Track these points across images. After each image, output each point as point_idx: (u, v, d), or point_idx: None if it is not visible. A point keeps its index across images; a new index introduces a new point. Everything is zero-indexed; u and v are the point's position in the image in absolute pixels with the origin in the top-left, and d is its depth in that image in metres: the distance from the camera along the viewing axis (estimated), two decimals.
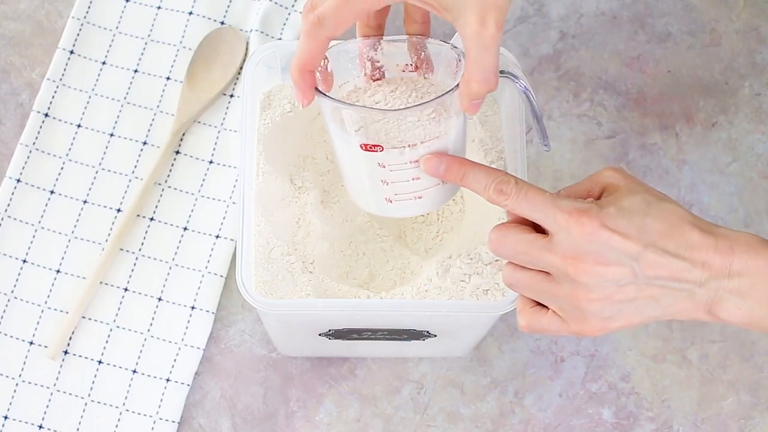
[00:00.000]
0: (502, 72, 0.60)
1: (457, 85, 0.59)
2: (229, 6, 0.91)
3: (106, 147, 0.87)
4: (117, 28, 0.90)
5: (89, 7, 0.90)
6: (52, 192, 0.86)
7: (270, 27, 0.90)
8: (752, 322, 0.59)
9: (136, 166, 0.87)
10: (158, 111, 0.89)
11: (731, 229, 0.59)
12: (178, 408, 0.82)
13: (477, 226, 0.71)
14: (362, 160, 0.61)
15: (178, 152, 0.88)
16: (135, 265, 0.85)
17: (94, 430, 0.81)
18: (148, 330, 0.83)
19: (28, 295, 0.83)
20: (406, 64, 0.64)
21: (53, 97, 0.88)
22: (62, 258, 0.84)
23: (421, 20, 0.63)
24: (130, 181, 0.87)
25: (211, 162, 0.87)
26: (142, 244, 0.85)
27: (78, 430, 0.81)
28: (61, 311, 0.83)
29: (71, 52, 0.89)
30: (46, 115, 0.87)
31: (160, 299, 0.84)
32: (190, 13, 0.91)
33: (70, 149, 0.87)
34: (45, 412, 0.81)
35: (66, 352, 0.83)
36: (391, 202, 0.64)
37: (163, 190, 0.87)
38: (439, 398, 0.83)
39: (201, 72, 0.89)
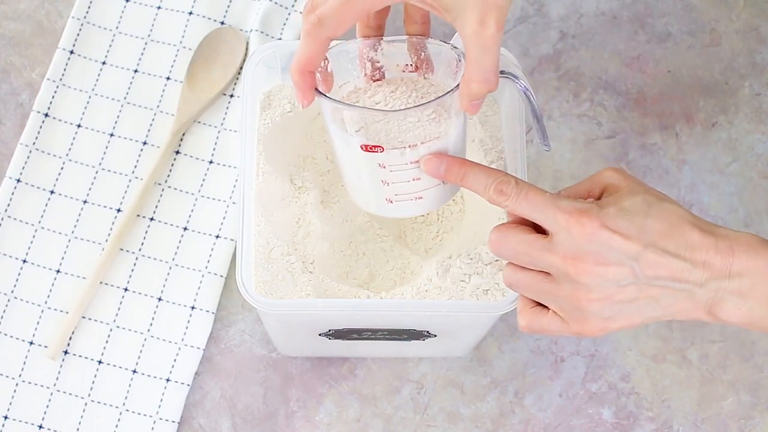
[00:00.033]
0: (502, 72, 0.60)
1: (458, 85, 0.59)
2: (229, 6, 0.91)
3: (106, 147, 0.87)
4: (117, 28, 0.90)
5: (89, 7, 0.90)
6: (52, 192, 0.86)
7: (270, 27, 0.90)
8: (752, 322, 0.59)
9: (136, 166, 0.87)
10: (158, 111, 0.89)
11: (731, 229, 0.59)
12: (178, 408, 0.82)
13: (477, 226, 0.71)
14: (362, 160, 0.61)
15: (178, 152, 0.88)
16: (135, 265, 0.85)
17: (94, 430, 0.81)
18: (148, 330, 0.83)
19: (28, 295, 0.83)
20: (406, 65, 0.64)
21: (53, 97, 0.88)
22: (62, 258, 0.84)
23: (421, 20, 0.63)
24: (130, 181, 0.87)
25: (211, 162, 0.87)
26: (142, 244, 0.85)
27: (78, 430, 0.81)
28: (61, 311, 0.83)
29: (71, 52, 0.89)
30: (46, 115, 0.87)
31: (160, 299, 0.84)
32: (190, 13, 0.91)
33: (70, 149, 0.87)
34: (45, 412, 0.81)
35: (66, 352, 0.83)
36: (391, 202, 0.64)
37: (163, 190, 0.87)
38: (439, 398, 0.83)
39: (201, 72, 0.89)
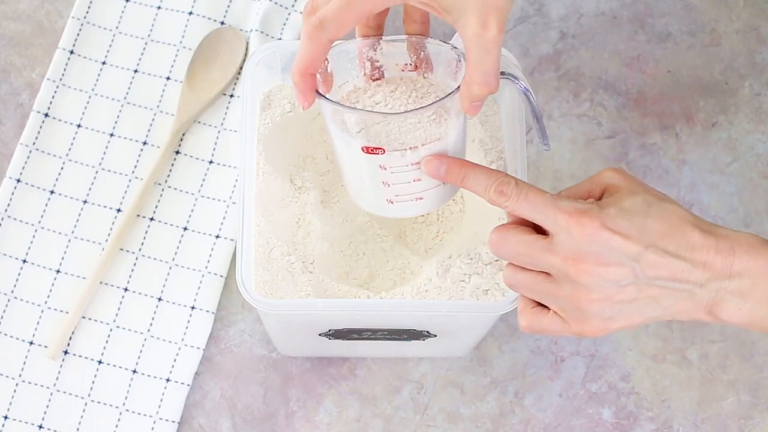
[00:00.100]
0: (502, 73, 0.60)
1: (458, 87, 0.59)
2: (229, 6, 0.91)
3: (106, 147, 0.87)
4: (117, 28, 0.90)
5: (89, 7, 0.90)
6: (52, 192, 0.86)
7: (270, 27, 0.90)
8: (753, 322, 0.59)
9: (136, 166, 0.87)
10: (158, 111, 0.89)
11: (732, 229, 0.59)
12: (178, 408, 0.82)
13: (477, 226, 0.71)
14: (363, 162, 0.61)
15: (178, 152, 0.88)
16: (135, 265, 0.85)
17: (94, 430, 0.81)
18: (148, 330, 0.83)
19: (28, 295, 0.83)
20: (406, 64, 0.64)
21: (53, 97, 0.88)
22: (62, 258, 0.84)
23: (420, 20, 0.63)
24: (130, 181, 0.87)
25: (211, 162, 0.87)
26: (142, 244, 0.85)
27: (78, 430, 0.81)
28: (61, 311, 0.83)
29: (71, 52, 0.89)
30: (46, 115, 0.87)
31: (160, 299, 0.84)
32: (190, 13, 0.91)
33: (70, 149, 0.87)
34: (45, 412, 0.81)
35: (66, 352, 0.83)
36: (392, 203, 0.64)
37: (163, 190, 0.87)
38: (439, 398, 0.83)
39: (201, 72, 0.89)
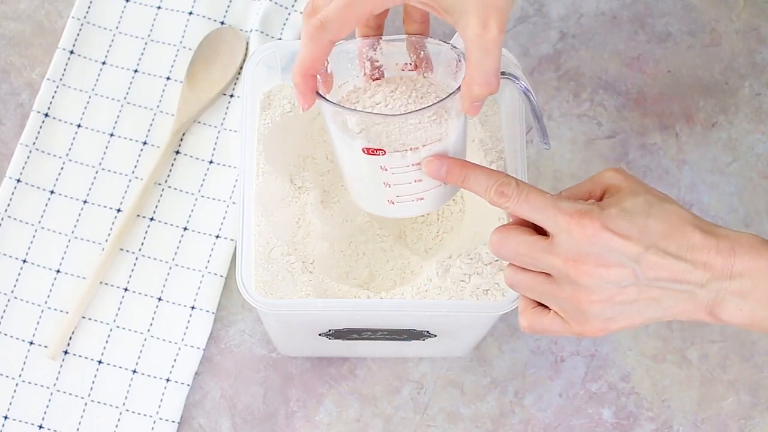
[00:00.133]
0: (502, 73, 0.60)
1: (459, 87, 0.59)
2: (229, 6, 0.91)
3: (106, 147, 0.87)
4: (117, 28, 0.90)
5: (89, 7, 0.90)
6: (52, 192, 0.86)
7: (270, 27, 0.90)
8: (753, 323, 0.59)
9: (136, 166, 0.87)
10: (158, 111, 0.89)
11: (733, 229, 0.59)
12: (178, 408, 0.82)
13: (477, 226, 0.71)
14: (364, 163, 0.61)
15: (178, 152, 0.88)
16: (135, 265, 0.85)
17: (94, 430, 0.81)
18: (148, 330, 0.83)
19: (28, 295, 0.83)
20: (406, 63, 0.64)
21: (53, 97, 0.88)
22: (62, 258, 0.84)
23: (420, 20, 0.63)
24: (130, 181, 0.87)
25: (211, 162, 0.87)
26: (142, 244, 0.85)
27: (78, 430, 0.81)
28: (61, 311, 0.83)
29: (71, 52, 0.89)
30: (46, 115, 0.87)
31: (160, 299, 0.84)
32: (190, 13, 0.91)
33: (70, 149, 0.87)
34: (45, 412, 0.81)
35: (66, 352, 0.83)
36: (393, 203, 0.64)
37: (163, 190, 0.87)
38: (439, 398, 0.83)
39: (201, 72, 0.89)
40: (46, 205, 0.86)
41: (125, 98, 0.89)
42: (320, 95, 0.60)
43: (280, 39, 0.90)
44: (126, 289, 0.84)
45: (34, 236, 0.85)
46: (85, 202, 0.86)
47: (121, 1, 0.91)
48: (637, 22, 0.92)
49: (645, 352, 0.84)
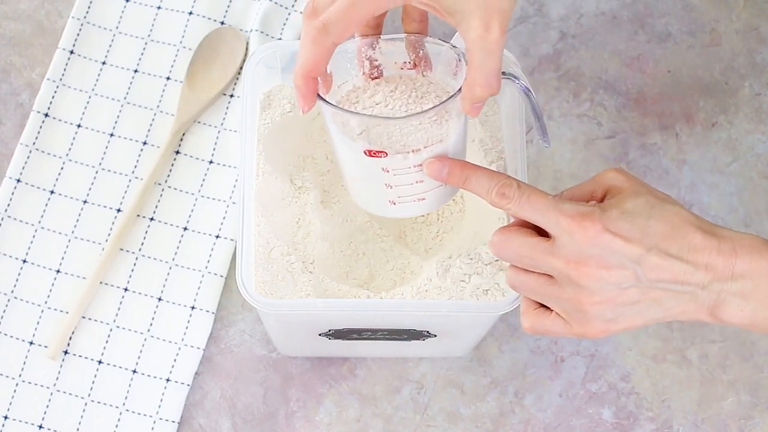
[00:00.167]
0: (502, 73, 0.60)
1: (460, 89, 0.59)
2: (229, 6, 0.91)
3: (106, 147, 0.87)
4: (117, 28, 0.90)
5: (89, 7, 0.90)
6: (52, 192, 0.86)
7: (270, 27, 0.90)
8: (755, 323, 0.59)
9: (136, 166, 0.87)
10: (158, 111, 0.89)
11: (735, 230, 0.59)
12: (178, 408, 0.82)
13: (477, 226, 0.71)
14: (365, 164, 0.61)
15: (178, 152, 0.88)
16: (135, 265, 0.85)
17: (94, 430, 0.81)
18: (148, 330, 0.83)
19: (28, 295, 0.83)
20: (405, 62, 0.63)
21: (53, 97, 0.88)
22: (62, 258, 0.84)
23: (419, 19, 0.63)
24: (130, 181, 0.87)
25: (211, 162, 0.87)
26: (142, 244, 0.85)
27: (78, 430, 0.81)
28: (61, 311, 0.83)
29: (71, 52, 0.89)
30: (46, 115, 0.87)
31: (160, 299, 0.84)
32: (190, 13, 0.91)
33: (70, 149, 0.87)
34: (45, 412, 0.81)
35: (66, 352, 0.83)
36: (394, 204, 0.64)
37: (163, 190, 0.87)
38: (439, 398, 0.83)
39: (201, 72, 0.89)
40: (46, 205, 0.86)
41: (125, 98, 0.89)
42: (321, 98, 0.60)
43: (280, 39, 0.90)
44: (126, 289, 0.84)
45: (34, 236, 0.85)
46: (85, 202, 0.86)
47: (121, 1, 0.91)
48: (637, 22, 0.92)
49: (645, 352, 0.84)
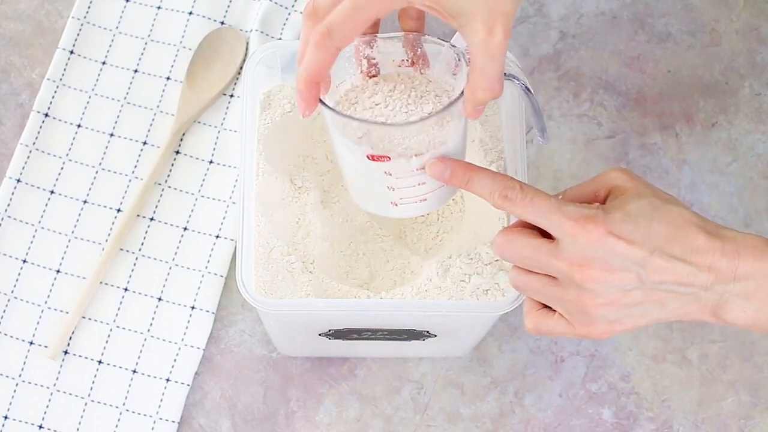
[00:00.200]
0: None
1: (462, 92, 0.59)
2: (229, 6, 0.91)
3: (106, 147, 0.87)
4: (117, 28, 0.90)
5: (89, 7, 0.90)
6: (52, 192, 0.86)
7: (270, 27, 0.90)
8: (757, 324, 0.59)
9: (136, 166, 0.87)
10: (158, 111, 0.89)
11: (738, 231, 0.59)
12: (178, 408, 0.82)
13: (477, 226, 0.71)
14: (368, 168, 0.61)
15: (178, 152, 0.88)
16: (135, 265, 0.85)
17: (94, 430, 0.81)
18: (148, 330, 0.83)
19: (28, 295, 0.83)
20: (402, 60, 0.63)
21: (53, 97, 0.88)
22: (62, 258, 0.84)
23: (416, 17, 0.63)
24: (130, 181, 0.87)
25: (211, 162, 0.87)
26: (142, 244, 0.85)
27: (78, 430, 0.81)
28: (61, 311, 0.83)
29: (71, 52, 0.89)
30: (46, 115, 0.87)
31: (160, 299, 0.84)
32: (190, 13, 0.91)
33: (70, 149, 0.87)
34: (45, 412, 0.81)
35: (66, 352, 0.83)
36: (396, 205, 0.64)
37: (163, 190, 0.87)
38: (439, 398, 0.83)
39: (201, 72, 0.89)
40: (46, 205, 0.86)
41: (125, 98, 0.89)
42: (325, 104, 0.59)
43: (280, 39, 0.90)
44: (126, 289, 0.84)
45: (34, 236, 0.85)
46: (85, 202, 0.86)
47: (121, 1, 0.91)
48: (637, 22, 0.92)
49: (645, 352, 0.84)
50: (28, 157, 0.86)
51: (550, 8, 0.92)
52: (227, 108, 0.89)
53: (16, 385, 0.82)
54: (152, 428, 0.81)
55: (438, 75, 0.63)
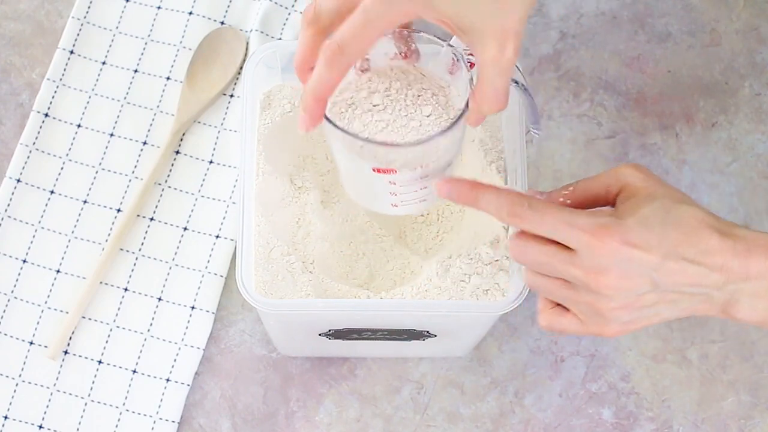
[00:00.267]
0: None
1: (466, 104, 0.59)
2: (229, 6, 0.91)
3: (106, 147, 0.87)
4: (117, 28, 0.90)
5: (89, 7, 0.90)
6: (52, 192, 0.86)
7: (270, 27, 0.90)
8: (767, 321, 0.59)
9: (136, 166, 0.87)
10: (158, 111, 0.89)
11: (751, 229, 0.59)
12: (178, 408, 0.82)
13: (477, 226, 0.71)
14: (371, 177, 0.61)
15: (178, 152, 0.88)
16: (135, 265, 0.85)
17: (94, 430, 0.81)
18: (148, 330, 0.83)
19: (28, 295, 0.83)
20: (395, 54, 0.63)
21: (53, 97, 0.88)
22: (62, 258, 0.84)
23: None
24: (130, 181, 0.87)
25: (211, 162, 0.87)
26: (142, 244, 0.85)
27: (78, 430, 0.81)
28: (61, 311, 0.83)
29: (71, 52, 0.89)
30: (46, 115, 0.87)
31: (160, 299, 0.84)
32: (190, 13, 0.91)
33: (70, 149, 0.87)
34: (45, 412, 0.81)
35: (66, 352, 0.83)
36: (396, 206, 0.64)
37: (163, 190, 0.87)
38: (439, 398, 0.83)
39: (201, 72, 0.89)
40: (46, 205, 0.86)
41: (125, 98, 0.89)
42: (332, 123, 0.58)
43: (280, 39, 0.90)
44: (126, 289, 0.84)
45: (34, 236, 0.85)
46: (85, 202, 0.86)
47: (121, 1, 0.91)
48: (637, 22, 0.92)
49: (645, 352, 0.84)
50: (28, 157, 0.86)
51: (550, 8, 0.92)
52: (227, 108, 0.89)
53: (16, 385, 0.82)
54: (152, 428, 0.81)
55: (432, 69, 0.63)
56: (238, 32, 0.90)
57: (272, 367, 0.83)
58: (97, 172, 0.87)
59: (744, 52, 0.91)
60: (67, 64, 0.89)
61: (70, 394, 0.82)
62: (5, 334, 0.83)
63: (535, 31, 0.91)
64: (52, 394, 0.82)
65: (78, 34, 0.90)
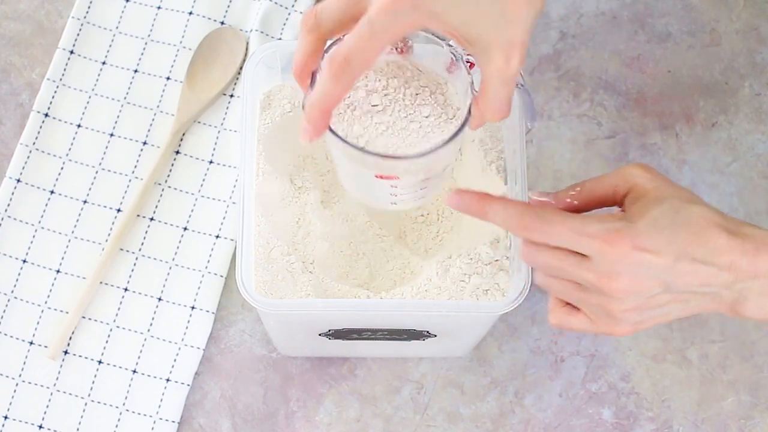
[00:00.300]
0: None
1: (468, 112, 0.59)
2: (229, 6, 0.91)
3: (106, 147, 0.87)
4: (117, 28, 0.90)
5: (89, 7, 0.90)
6: (52, 192, 0.86)
7: (270, 27, 0.90)
8: None
9: (136, 166, 0.87)
10: (158, 111, 0.89)
11: (759, 227, 0.59)
12: (178, 408, 0.82)
13: (477, 226, 0.71)
14: (373, 182, 0.61)
15: (178, 152, 0.88)
16: (135, 265, 0.85)
17: (94, 430, 0.81)
18: (148, 330, 0.83)
19: (28, 295, 0.83)
20: (390, 49, 0.63)
21: (53, 97, 0.88)
22: (62, 258, 0.84)
23: None
24: (130, 181, 0.87)
25: (211, 162, 0.87)
26: (142, 244, 0.85)
27: (78, 430, 0.81)
28: (61, 311, 0.83)
29: (71, 52, 0.89)
30: (46, 115, 0.87)
31: (160, 299, 0.84)
32: (190, 13, 0.91)
33: (70, 149, 0.87)
34: (45, 412, 0.81)
35: (66, 352, 0.83)
36: (395, 204, 0.65)
37: (163, 190, 0.87)
38: (439, 398, 0.83)
39: (201, 72, 0.89)
40: (46, 205, 0.86)
41: (125, 98, 0.89)
42: (334, 133, 0.58)
43: (280, 39, 0.90)
44: (126, 289, 0.84)
45: (34, 236, 0.85)
46: (85, 202, 0.86)
47: (121, 1, 0.91)
48: (637, 22, 0.92)
49: (645, 352, 0.84)
50: (28, 157, 0.86)
51: (550, 8, 0.92)
52: (227, 108, 0.89)
53: (16, 385, 0.82)
54: (152, 428, 0.81)
55: (428, 65, 0.63)
56: (238, 32, 0.90)
57: (272, 367, 0.83)
58: (97, 172, 0.87)
59: (744, 52, 0.91)
60: (67, 64, 0.89)
61: (70, 394, 0.82)
62: (5, 334, 0.83)
63: (535, 31, 0.91)
64: (52, 394, 0.82)
65: (78, 34, 0.90)
